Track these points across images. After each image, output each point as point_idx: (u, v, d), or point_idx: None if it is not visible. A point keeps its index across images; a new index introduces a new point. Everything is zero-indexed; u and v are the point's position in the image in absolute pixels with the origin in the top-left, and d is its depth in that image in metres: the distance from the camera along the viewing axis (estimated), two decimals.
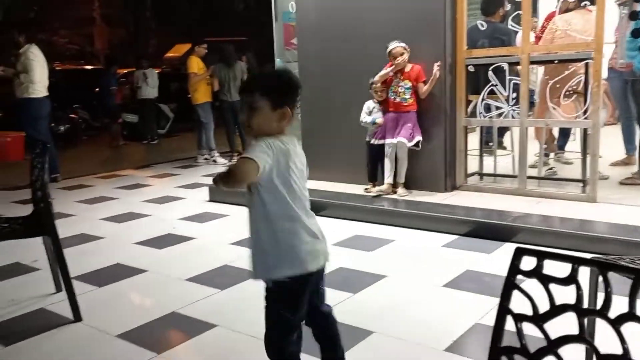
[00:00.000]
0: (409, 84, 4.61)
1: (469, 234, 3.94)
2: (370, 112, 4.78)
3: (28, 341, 2.57)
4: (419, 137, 4.64)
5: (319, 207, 4.71)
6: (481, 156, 5.19)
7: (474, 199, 4.52)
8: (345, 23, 5.10)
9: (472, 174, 5.08)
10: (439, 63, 4.51)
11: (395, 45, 4.58)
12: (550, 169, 5.18)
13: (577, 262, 0.78)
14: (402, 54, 4.59)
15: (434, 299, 2.95)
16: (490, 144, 5.53)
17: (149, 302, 3.10)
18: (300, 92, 1.82)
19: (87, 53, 19.27)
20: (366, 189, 4.88)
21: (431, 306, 2.85)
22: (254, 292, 3.08)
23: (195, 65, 7.67)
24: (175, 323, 2.75)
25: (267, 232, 1.76)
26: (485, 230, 3.89)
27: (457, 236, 3.95)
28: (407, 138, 4.60)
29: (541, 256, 0.82)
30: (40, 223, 2.76)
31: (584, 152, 4.46)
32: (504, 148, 5.96)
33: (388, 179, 4.72)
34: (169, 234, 4.35)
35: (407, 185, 4.75)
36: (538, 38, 5.28)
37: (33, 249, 3.72)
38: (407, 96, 4.62)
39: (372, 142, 4.76)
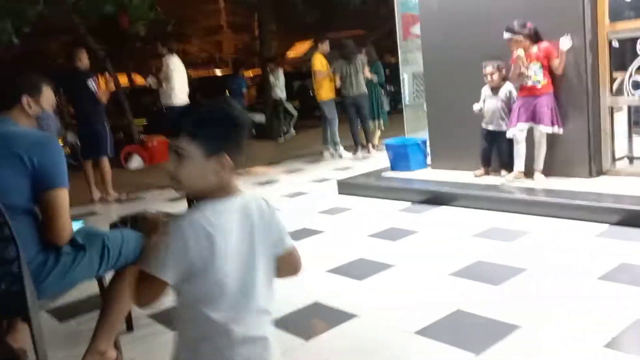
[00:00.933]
0: (539, 64, 4.36)
1: (619, 223, 3.64)
2: (484, 99, 4.77)
3: None
4: (557, 126, 4.39)
5: (450, 198, 4.63)
6: (630, 138, 4.75)
7: (623, 184, 4.16)
8: (470, 6, 4.93)
9: (621, 158, 4.67)
10: (567, 35, 4.24)
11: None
12: None
13: None
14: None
15: (586, 293, 2.77)
16: None
17: (293, 292, 3.25)
18: (246, 130, 1.33)
19: (216, 59, 20.63)
20: (475, 173, 4.87)
21: (584, 300, 2.68)
22: (392, 283, 3.15)
23: (319, 62, 7.86)
24: (319, 312, 2.87)
25: None
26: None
27: (606, 225, 3.67)
28: (545, 123, 4.35)
29: None
30: None
31: None
32: None
33: (519, 166, 4.52)
34: (303, 227, 4.53)
35: (547, 172, 4.50)
36: None
37: None
38: (540, 78, 4.37)
39: (484, 126, 4.81)
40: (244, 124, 1.32)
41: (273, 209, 1.32)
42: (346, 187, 5.63)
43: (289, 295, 3.18)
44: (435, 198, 4.75)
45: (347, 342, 2.55)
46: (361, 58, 7.88)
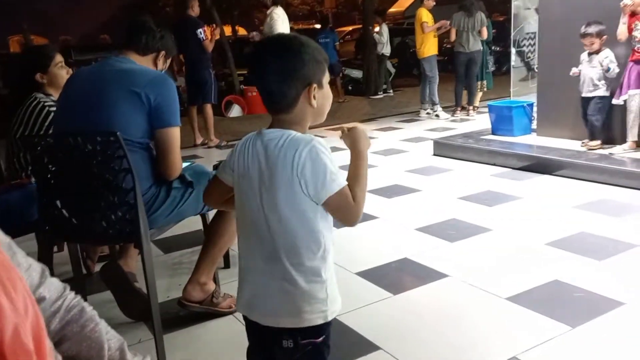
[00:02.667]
0: None
1: None
2: (581, 63, 4.52)
3: None
4: None
5: (557, 166, 4.39)
6: None
7: None
8: None
9: None
10: None
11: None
12: None
13: None
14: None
15: None
16: None
17: (382, 246, 3.28)
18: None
19: (317, 13, 20.52)
20: (583, 143, 4.61)
21: None
22: (485, 248, 3.08)
23: (426, 15, 7.60)
24: (408, 268, 2.87)
25: None
26: None
27: None
28: None
29: None
30: None
31: None
32: None
33: (632, 136, 4.24)
34: (396, 184, 4.50)
35: None
36: None
37: None
38: None
39: (581, 93, 4.57)
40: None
41: (318, 154, 1.26)
42: (443, 147, 5.50)
43: (376, 249, 3.24)
44: (538, 165, 4.52)
45: (435, 300, 2.54)
46: (482, 15, 7.49)
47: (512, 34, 6.62)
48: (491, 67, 8.34)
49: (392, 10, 21.09)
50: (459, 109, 7.88)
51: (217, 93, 6.83)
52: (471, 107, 7.78)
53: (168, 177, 2.18)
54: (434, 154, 5.50)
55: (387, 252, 3.08)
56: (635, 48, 4.17)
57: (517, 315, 2.32)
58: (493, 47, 9.95)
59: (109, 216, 2.07)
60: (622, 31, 4.24)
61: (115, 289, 2.37)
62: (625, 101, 4.30)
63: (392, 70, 12.19)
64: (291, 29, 10.45)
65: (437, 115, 7.85)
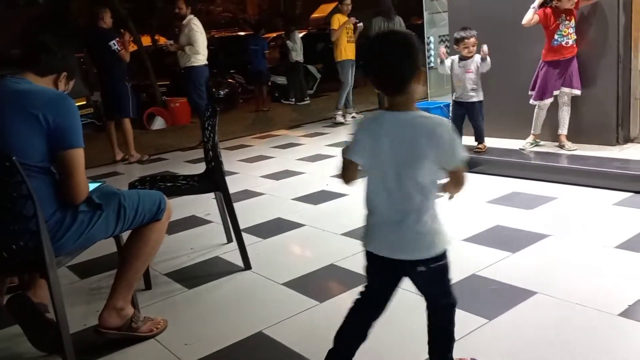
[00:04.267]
0: (573, 21, 4.20)
1: None
2: (451, 66, 4.62)
3: (207, 285, 2.88)
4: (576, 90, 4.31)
5: (472, 164, 4.56)
6: None
7: None
8: None
9: None
10: None
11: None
12: None
13: None
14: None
15: (604, 260, 2.73)
16: None
17: (309, 254, 3.29)
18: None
19: (240, 20, 20.39)
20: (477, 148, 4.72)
21: (601, 268, 2.64)
22: None
23: (337, 22, 7.64)
24: (335, 274, 2.89)
25: None
26: None
27: (630, 194, 3.58)
28: (575, 86, 4.25)
29: None
30: (213, 180, 3.04)
31: None
32: None
33: (536, 129, 4.50)
34: (323, 190, 4.53)
35: (572, 138, 4.41)
36: None
37: (205, 204, 4.14)
38: (575, 36, 4.22)
39: (455, 98, 4.70)
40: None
41: (447, 131, 1.57)
42: None
43: (302, 257, 3.24)
44: None
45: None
46: (400, 20, 7.69)
47: (426, 37, 6.84)
48: None
49: (315, 15, 21.31)
50: None
51: (135, 106, 6.61)
52: None
53: (73, 202, 2.07)
54: None
55: (314, 260, 3.08)
56: (555, 45, 4.23)
57: None
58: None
59: (9, 246, 1.94)
60: (529, 17, 4.26)
61: (23, 322, 2.22)
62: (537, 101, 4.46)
63: (318, 76, 12.30)
64: (213, 37, 10.24)
65: (340, 121, 7.91)
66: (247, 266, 3.00)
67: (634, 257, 2.71)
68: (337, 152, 6.07)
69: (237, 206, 4.21)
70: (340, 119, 8.03)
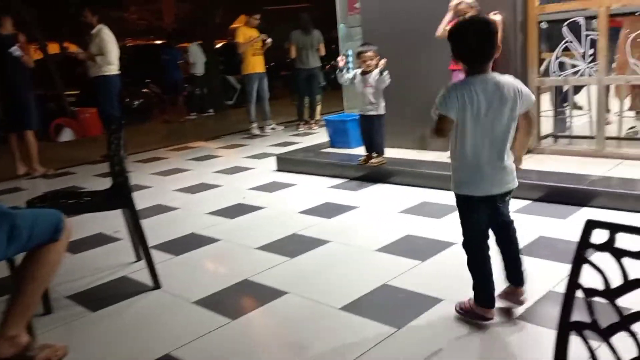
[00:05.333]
0: None
1: (542, 199, 3.79)
2: (353, 80, 4.75)
3: (113, 307, 2.76)
4: None
5: (386, 175, 4.69)
6: (555, 117, 4.95)
7: (547, 162, 4.33)
8: None
9: (546, 136, 4.86)
10: (494, 11, 4.34)
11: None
12: (632, 128, 4.87)
13: None
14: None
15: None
16: (565, 104, 5.25)
17: (222, 270, 3.23)
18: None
19: (156, 28, 19.85)
20: (360, 160, 4.86)
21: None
22: (323, 260, 3.17)
23: (242, 35, 7.57)
24: (248, 290, 2.85)
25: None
26: (561, 194, 3.74)
27: (529, 201, 3.81)
28: None
29: (614, 229, 0.78)
30: (120, 196, 2.92)
31: None
32: (580, 108, 5.63)
33: None
34: (240, 204, 4.48)
35: None
36: None
37: (115, 220, 3.96)
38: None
39: (358, 112, 4.81)
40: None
41: (521, 88, 2.16)
42: (285, 163, 5.60)
43: (215, 273, 3.18)
44: (373, 175, 4.80)
45: (273, 319, 2.56)
46: (318, 33, 7.81)
47: (341, 50, 6.99)
48: (322, 82, 8.64)
49: (234, 25, 21.17)
50: (302, 123, 8.12)
51: (38, 117, 6.24)
52: (313, 121, 8.07)
53: None
54: (278, 170, 5.59)
55: (227, 276, 3.03)
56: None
57: (349, 323, 2.41)
58: (333, 63, 10.44)
59: None
60: (441, 30, 4.47)
61: None
62: None
63: (238, 86, 12.22)
64: (126, 45, 9.86)
65: (256, 133, 7.93)
66: (157, 285, 2.90)
67: (532, 262, 2.88)
68: (256, 163, 6.05)
69: (149, 222, 4.12)
70: (256, 131, 8.01)
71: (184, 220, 4.18)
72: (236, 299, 2.77)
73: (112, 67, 6.61)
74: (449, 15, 4.49)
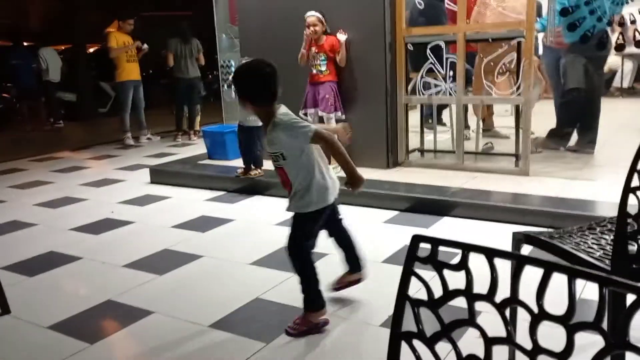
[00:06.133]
0: (324, 56, 4.72)
1: (410, 210, 4.02)
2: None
3: None
4: (339, 113, 4.77)
5: (264, 187, 4.70)
6: (422, 133, 5.28)
7: (414, 175, 4.60)
8: (284, 1, 5.03)
9: (413, 150, 5.17)
10: (340, 30, 4.65)
11: (310, 15, 4.68)
12: (487, 143, 5.33)
13: (466, 248, 0.80)
14: (315, 25, 4.68)
15: (372, 274, 2.99)
16: (430, 120, 5.63)
17: (83, 290, 3.02)
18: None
19: (20, 28, 18.25)
20: (238, 172, 4.89)
21: (367, 282, 2.90)
22: (195, 275, 3.09)
23: (114, 40, 7.27)
24: (111, 311, 2.69)
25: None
26: (425, 205, 3.98)
27: (397, 212, 4.02)
28: (326, 110, 4.69)
29: (435, 243, 0.84)
30: None
31: (517, 127, 4.61)
32: (444, 124, 6.07)
33: None
34: (107, 218, 4.24)
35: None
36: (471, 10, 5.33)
37: None
38: (323, 68, 4.74)
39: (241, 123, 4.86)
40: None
41: (288, 119, 2.34)
42: (159, 175, 5.40)
43: (76, 295, 2.97)
44: (250, 187, 4.78)
45: (137, 341, 2.43)
46: (197, 42, 7.63)
47: (219, 61, 6.93)
48: (202, 92, 8.53)
49: (109, 30, 20.13)
50: (180, 133, 7.91)
51: None
52: (192, 132, 7.89)
53: None
54: (152, 182, 5.37)
55: (88, 297, 2.84)
56: (311, 72, 4.76)
57: (217, 341, 2.36)
58: (215, 72, 10.30)
59: None
60: (300, 56, 4.77)
61: None
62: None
63: (112, 94, 11.60)
64: None
65: (127, 143, 7.67)
66: (6, 310, 2.64)
67: (398, 269, 3.04)
68: (128, 175, 5.77)
69: (2, 239, 3.75)
70: (129, 141, 7.67)
71: (43, 237, 3.86)
72: (97, 322, 2.60)
73: None
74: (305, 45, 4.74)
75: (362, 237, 3.56)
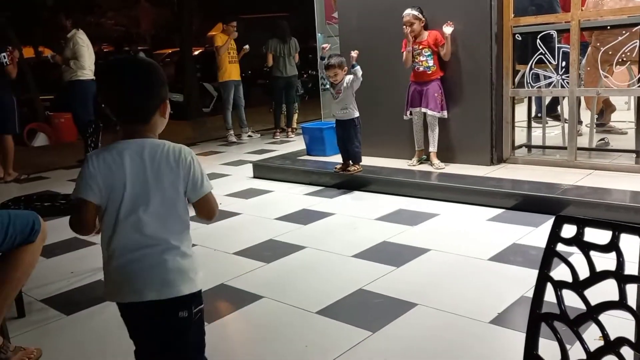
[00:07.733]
0: (429, 51, 4.61)
1: (516, 208, 3.87)
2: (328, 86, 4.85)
3: (86, 311, 2.72)
4: (445, 112, 4.69)
5: (363, 183, 4.73)
6: (529, 128, 5.06)
7: (521, 171, 4.43)
8: None
9: (520, 146, 4.97)
10: (448, 22, 4.51)
11: (405, 14, 4.62)
12: (602, 139, 5.01)
13: (618, 229, 0.77)
14: (411, 24, 4.60)
15: (479, 272, 2.93)
16: (539, 114, 5.38)
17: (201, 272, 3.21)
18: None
19: (133, 34, 19.70)
20: (336, 168, 4.91)
21: (476, 280, 2.84)
22: (299, 265, 3.19)
23: (220, 40, 7.61)
24: (224, 294, 2.85)
25: None
26: (533, 203, 3.81)
27: (503, 210, 3.89)
28: (434, 108, 4.59)
29: (582, 224, 0.82)
30: None
31: (638, 121, 4.28)
32: (559, 119, 5.76)
33: (431, 148, 4.77)
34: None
35: (451, 159, 4.72)
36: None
37: None
38: (431, 63, 4.63)
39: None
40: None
41: (188, 158, 1.55)
42: (262, 169, 5.61)
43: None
44: (349, 183, 4.83)
45: (248, 323, 2.56)
46: (295, 41, 7.84)
47: (319, 59, 7.03)
48: (300, 90, 8.70)
49: (212, 33, 21.14)
50: (279, 130, 8.14)
51: (19, 121, 6.14)
52: (290, 129, 8.10)
53: None
54: (254, 177, 5.59)
55: (206, 280, 3.01)
56: (416, 69, 4.68)
57: (325, 326, 2.43)
58: (310, 72, 10.51)
59: None
60: (404, 59, 4.71)
61: None
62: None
63: (215, 93, 12.18)
64: (102, 51, 9.75)
65: (232, 140, 7.95)
66: None
67: (505, 268, 2.95)
68: (232, 170, 6.04)
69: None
70: (232, 138, 8.01)
71: None
72: (212, 303, 2.76)
73: (86, 72, 6.54)
74: (409, 46, 4.67)
75: (466, 235, 3.52)
